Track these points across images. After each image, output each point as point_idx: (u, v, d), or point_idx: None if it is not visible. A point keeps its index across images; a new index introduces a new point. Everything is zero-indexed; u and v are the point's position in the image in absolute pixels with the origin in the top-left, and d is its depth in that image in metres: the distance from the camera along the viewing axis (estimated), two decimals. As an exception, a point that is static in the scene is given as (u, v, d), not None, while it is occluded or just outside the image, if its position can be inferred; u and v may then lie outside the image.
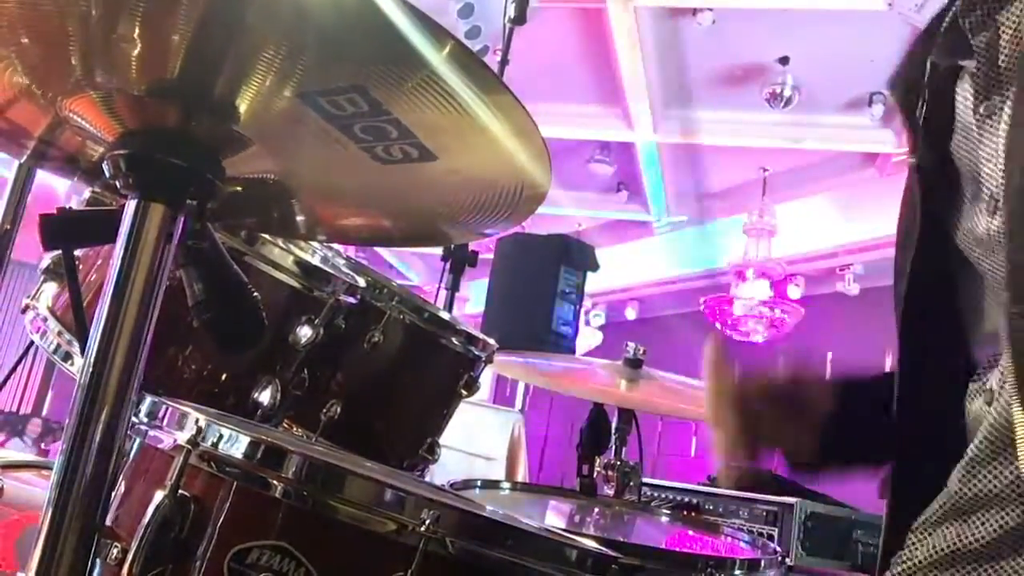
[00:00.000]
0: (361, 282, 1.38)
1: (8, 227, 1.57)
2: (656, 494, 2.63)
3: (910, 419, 0.99)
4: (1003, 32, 0.83)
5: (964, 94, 0.91)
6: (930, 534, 0.90)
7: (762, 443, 1.09)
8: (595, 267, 4.77)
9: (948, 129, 0.93)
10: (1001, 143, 0.83)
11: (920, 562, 0.90)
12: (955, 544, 0.86)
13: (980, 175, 0.88)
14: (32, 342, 1.32)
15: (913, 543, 0.92)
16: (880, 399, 1.01)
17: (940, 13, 0.98)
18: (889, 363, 1.05)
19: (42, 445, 9.42)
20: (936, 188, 0.96)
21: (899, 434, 0.99)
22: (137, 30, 0.67)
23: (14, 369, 2.10)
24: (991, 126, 0.85)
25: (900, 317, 1.01)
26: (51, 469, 1.13)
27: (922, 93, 0.97)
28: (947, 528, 0.88)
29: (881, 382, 1.06)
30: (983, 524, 0.84)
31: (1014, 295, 0.77)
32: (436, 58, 0.63)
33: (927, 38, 0.99)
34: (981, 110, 0.87)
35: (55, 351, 1.24)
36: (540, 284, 4.52)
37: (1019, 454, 0.76)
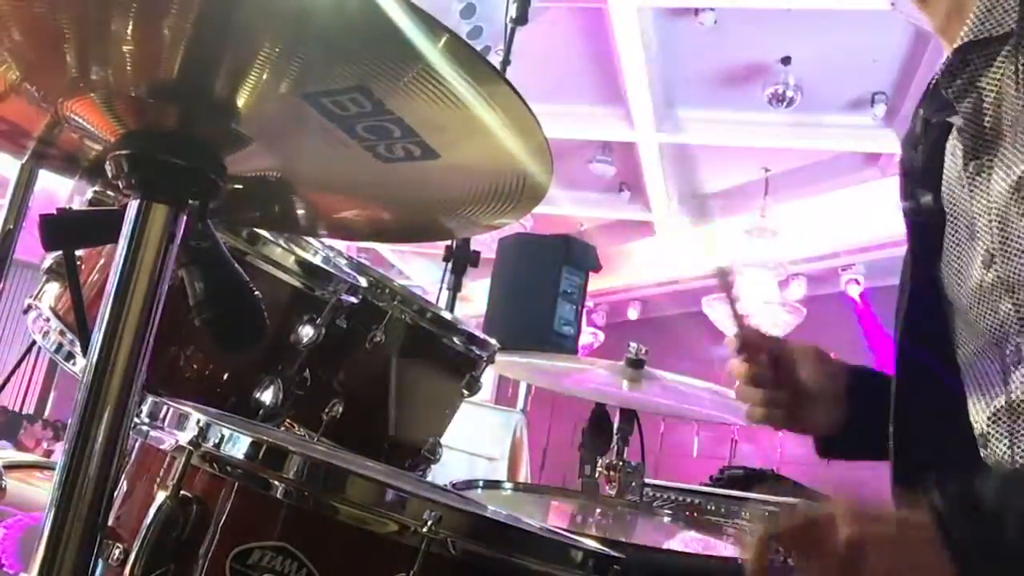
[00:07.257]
0: (363, 282, 1.37)
1: (10, 227, 1.57)
2: (658, 494, 2.63)
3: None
4: (986, 96, 0.88)
5: (953, 148, 0.95)
6: None
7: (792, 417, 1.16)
8: (597, 267, 4.76)
9: (939, 178, 0.98)
10: (993, 202, 0.88)
11: None
12: None
13: (975, 225, 0.92)
14: (34, 341, 1.32)
15: None
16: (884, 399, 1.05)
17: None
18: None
19: (44, 445, 9.37)
20: (927, 234, 1.00)
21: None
22: (131, 30, 0.67)
23: (15, 369, 2.10)
24: (981, 183, 0.90)
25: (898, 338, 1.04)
26: (53, 469, 1.13)
27: (919, 147, 1.01)
28: None
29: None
30: None
31: None
32: (432, 51, 0.63)
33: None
34: (971, 168, 0.91)
35: (57, 351, 1.24)
36: (542, 284, 4.52)
37: None
